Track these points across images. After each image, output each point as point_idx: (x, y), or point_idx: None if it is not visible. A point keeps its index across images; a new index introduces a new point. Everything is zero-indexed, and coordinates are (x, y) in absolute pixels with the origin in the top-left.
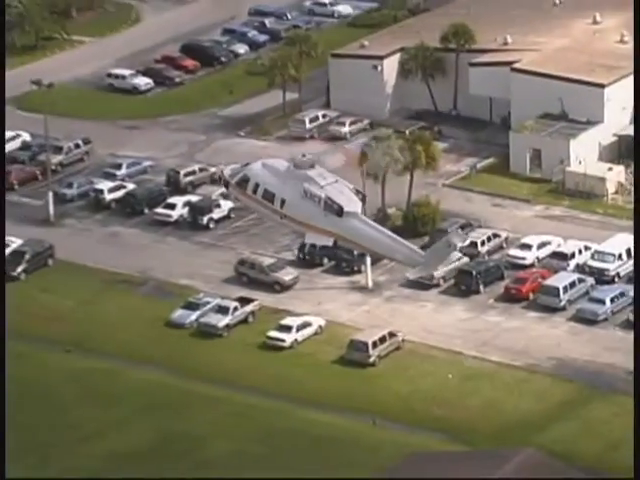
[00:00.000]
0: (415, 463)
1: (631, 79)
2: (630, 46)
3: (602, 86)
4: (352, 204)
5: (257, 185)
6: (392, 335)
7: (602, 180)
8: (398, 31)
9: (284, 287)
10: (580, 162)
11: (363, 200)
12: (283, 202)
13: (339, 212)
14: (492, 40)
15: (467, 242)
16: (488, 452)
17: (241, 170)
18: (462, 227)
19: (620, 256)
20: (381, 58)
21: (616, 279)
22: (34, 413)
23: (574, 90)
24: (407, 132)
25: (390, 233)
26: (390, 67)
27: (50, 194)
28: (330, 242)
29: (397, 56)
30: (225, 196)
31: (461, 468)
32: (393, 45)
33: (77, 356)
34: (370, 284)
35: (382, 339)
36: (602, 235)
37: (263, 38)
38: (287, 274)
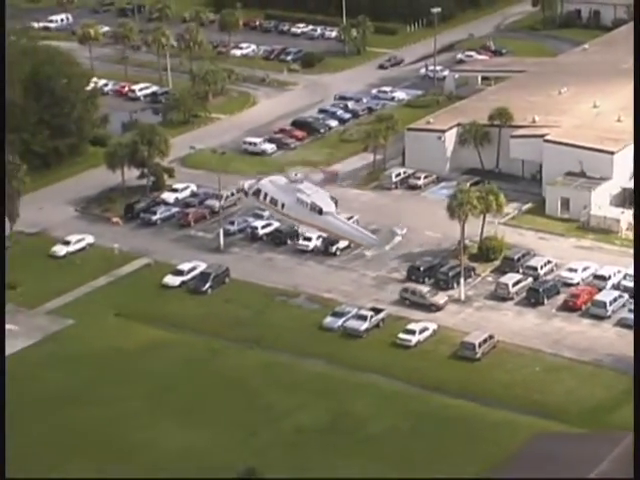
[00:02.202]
0: (543, 442)
1: (631, 148)
2: (625, 124)
3: (612, 153)
4: (329, 206)
5: (266, 194)
6: (490, 337)
7: (617, 220)
8: (452, 111)
9: (439, 308)
10: (599, 207)
11: (336, 203)
12: (283, 205)
13: (320, 211)
14: (523, 119)
15: (405, 231)
16: (602, 435)
17: (255, 184)
18: (523, 255)
19: None
20: (444, 131)
21: None
22: (234, 397)
23: (591, 156)
24: (468, 184)
25: (355, 225)
26: (450, 137)
27: (221, 229)
28: (316, 231)
29: (455, 130)
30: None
31: (585, 447)
32: (451, 122)
33: (258, 352)
34: (463, 297)
35: (484, 340)
36: (622, 261)
37: (347, 116)
38: (441, 298)
